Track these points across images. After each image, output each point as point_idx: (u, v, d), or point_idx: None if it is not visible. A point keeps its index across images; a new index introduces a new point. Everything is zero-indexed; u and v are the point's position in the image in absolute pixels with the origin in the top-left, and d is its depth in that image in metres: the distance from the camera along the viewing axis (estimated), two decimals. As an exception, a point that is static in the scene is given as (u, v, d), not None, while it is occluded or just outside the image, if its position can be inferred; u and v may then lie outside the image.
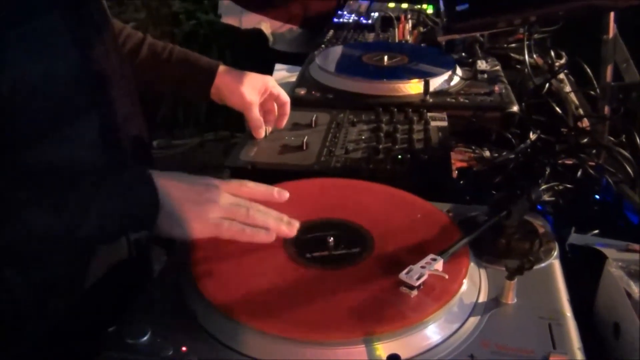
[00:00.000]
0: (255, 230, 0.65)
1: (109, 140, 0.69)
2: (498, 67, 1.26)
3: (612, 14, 1.00)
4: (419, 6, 1.83)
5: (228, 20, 2.02)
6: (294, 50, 1.77)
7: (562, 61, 1.36)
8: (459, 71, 1.23)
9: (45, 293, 0.65)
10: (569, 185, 0.90)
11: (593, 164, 0.96)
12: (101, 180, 0.60)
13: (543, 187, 0.88)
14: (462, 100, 1.12)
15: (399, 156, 0.91)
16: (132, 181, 0.61)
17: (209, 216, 0.64)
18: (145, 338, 0.55)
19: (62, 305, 0.66)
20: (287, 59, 1.50)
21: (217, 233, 0.64)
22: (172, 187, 0.63)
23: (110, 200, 0.59)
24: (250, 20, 1.96)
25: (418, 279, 0.59)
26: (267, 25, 1.95)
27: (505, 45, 1.41)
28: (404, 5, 1.87)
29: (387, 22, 1.64)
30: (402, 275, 0.59)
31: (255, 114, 0.96)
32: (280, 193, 0.70)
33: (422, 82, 1.12)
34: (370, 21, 1.69)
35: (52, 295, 0.65)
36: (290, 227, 0.66)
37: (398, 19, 1.58)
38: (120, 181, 0.61)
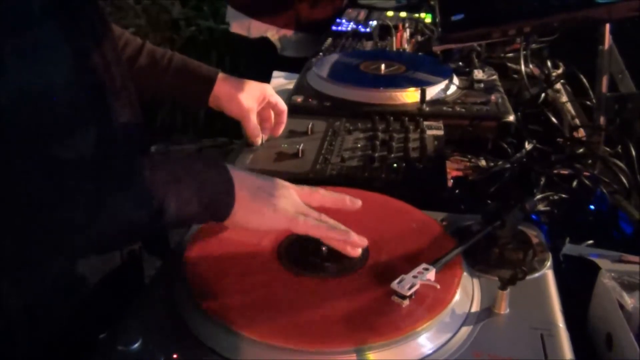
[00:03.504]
0: (331, 226, 0.65)
1: (107, 150, 0.69)
2: (495, 77, 1.26)
3: (607, 25, 1.00)
4: (417, 15, 1.84)
5: (236, 29, 2.01)
6: (303, 55, 1.77)
7: (559, 71, 1.36)
8: (455, 80, 1.23)
9: (37, 302, 0.65)
10: (564, 195, 0.90)
11: (588, 174, 0.96)
12: (177, 168, 0.59)
13: (538, 196, 0.88)
14: (458, 109, 1.12)
15: (394, 165, 0.92)
16: (207, 168, 0.61)
17: (286, 208, 0.64)
18: (136, 345, 0.55)
19: (54, 314, 0.66)
20: (293, 64, 1.50)
21: (293, 226, 0.64)
22: (246, 178, 0.64)
23: (187, 188, 0.58)
24: (258, 29, 1.96)
25: (410, 288, 0.59)
26: (273, 33, 1.95)
27: (503, 55, 1.41)
28: (402, 14, 1.88)
29: (385, 31, 1.64)
30: (394, 284, 0.59)
31: (253, 122, 0.97)
32: (353, 201, 0.69)
33: (419, 91, 1.13)
34: (368, 29, 1.70)
35: (44, 304, 0.65)
36: (362, 240, 0.66)
37: (396, 27, 1.59)
38: (196, 169, 0.60)
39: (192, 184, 0.59)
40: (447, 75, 1.22)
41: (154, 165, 0.58)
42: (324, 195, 0.68)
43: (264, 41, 1.96)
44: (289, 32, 1.95)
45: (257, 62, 2.02)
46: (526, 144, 1.03)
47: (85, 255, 0.65)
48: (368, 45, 1.61)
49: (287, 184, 0.67)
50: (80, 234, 0.54)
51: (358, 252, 0.66)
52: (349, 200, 0.69)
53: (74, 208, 0.53)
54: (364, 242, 0.66)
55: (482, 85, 1.21)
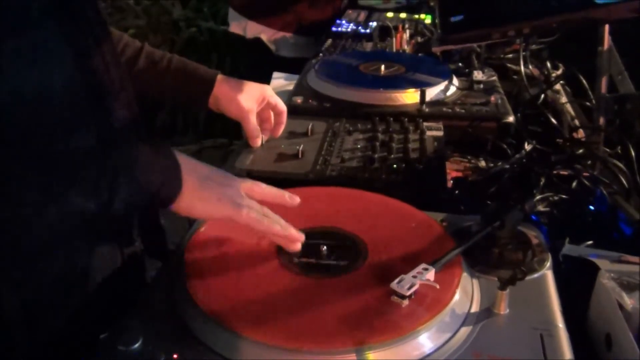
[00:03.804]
0: (272, 221, 0.66)
1: (104, 150, 0.69)
2: (494, 78, 1.26)
3: (606, 26, 1.01)
4: (417, 16, 1.84)
5: (234, 29, 2.03)
6: (299, 55, 1.77)
7: (559, 72, 1.37)
8: (455, 81, 1.23)
9: (37, 303, 0.65)
10: (563, 196, 0.90)
11: (588, 174, 0.96)
12: (123, 157, 0.60)
13: (538, 197, 0.89)
14: (458, 110, 1.12)
15: (394, 165, 0.92)
16: (155, 155, 0.62)
17: (232, 198, 0.65)
18: (137, 345, 0.56)
19: (53, 314, 0.66)
20: (293, 65, 1.50)
21: (236, 216, 0.64)
22: (194, 165, 0.64)
23: (135, 177, 0.59)
24: (254, 29, 1.98)
25: (409, 288, 0.59)
26: (268, 35, 1.97)
27: (502, 56, 1.41)
28: (402, 15, 1.88)
29: (385, 32, 1.65)
30: (394, 284, 0.60)
31: (253, 123, 0.97)
32: (292, 197, 0.72)
33: (419, 92, 1.13)
34: (368, 30, 1.70)
35: (43, 304, 0.65)
36: (299, 234, 0.68)
37: (396, 28, 1.59)
38: (144, 158, 0.61)
39: (140, 173, 0.59)
40: (446, 76, 1.22)
41: (99, 155, 0.59)
42: (265, 189, 0.70)
43: (263, 42, 1.97)
44: (284, 34, 1.96)
45: (257, 63, 2.03)
46: (526, 144, 1.03)
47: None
48: (368, 46, 1.62)
49: (232, 175, 0.68)
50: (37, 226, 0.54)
51: (297, 246, 0.67)
52: (288, 196, 0.71)
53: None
54: (301, 237, 0.68)
55: (481, 86, 1.22)
